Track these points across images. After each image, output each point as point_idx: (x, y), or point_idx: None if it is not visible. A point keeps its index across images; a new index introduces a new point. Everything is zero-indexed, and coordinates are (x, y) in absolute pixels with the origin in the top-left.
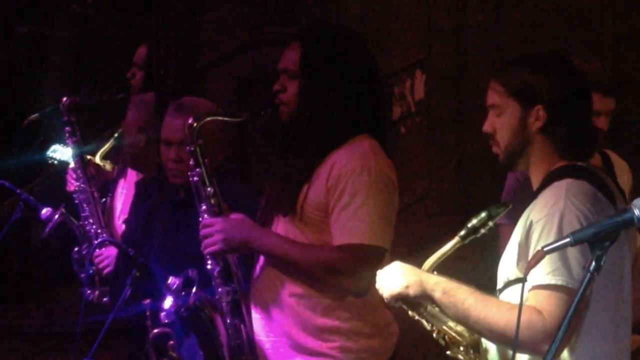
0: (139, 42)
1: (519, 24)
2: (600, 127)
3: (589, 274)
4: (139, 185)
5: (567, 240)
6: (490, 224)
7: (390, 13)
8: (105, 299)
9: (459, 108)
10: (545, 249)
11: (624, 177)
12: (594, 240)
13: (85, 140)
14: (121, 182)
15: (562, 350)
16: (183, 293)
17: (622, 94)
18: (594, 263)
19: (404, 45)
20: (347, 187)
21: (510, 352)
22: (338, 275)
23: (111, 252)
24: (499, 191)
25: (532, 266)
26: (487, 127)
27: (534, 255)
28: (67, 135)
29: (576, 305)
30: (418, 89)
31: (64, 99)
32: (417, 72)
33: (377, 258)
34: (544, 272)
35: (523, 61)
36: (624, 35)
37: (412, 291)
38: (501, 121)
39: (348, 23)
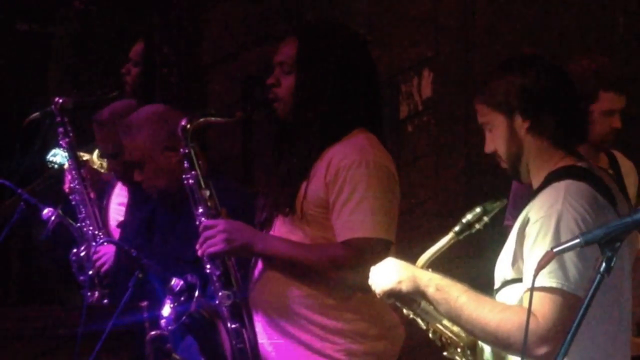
0: (141, 38)
1: (527, 21)
2: (616, 126)
3: (599, 276)
4: (134, 189)
5: (578, 241)
6: (485, 219)
7: (398, 11)
8: (105, 301)
9: (466, 107)
10: (555, 249)
11: (630, 178)
12: (604, 241)
13: (83, 141)
14: (117, 184)
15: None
16: (182, 299)
17: (631, 91)
18: (604, 264)
19: (412, 43)
20: (347, 182)
21: (505, 354)
22: (344, 271)
23: (108, 249)
24: (507, 190)
25: (542, 267)
26: (488, 148)
27: (544, 256)
28: (60, 136)
29: (586, 307)
30: (425, 88)
31: (57, 99)
32: (424, 70)
33: (382, 251)
34: (539, 274)
35: (494, 73)
36: (634, 32)
37: (404, 287)
38: (495, 136)
39: (355, 21)
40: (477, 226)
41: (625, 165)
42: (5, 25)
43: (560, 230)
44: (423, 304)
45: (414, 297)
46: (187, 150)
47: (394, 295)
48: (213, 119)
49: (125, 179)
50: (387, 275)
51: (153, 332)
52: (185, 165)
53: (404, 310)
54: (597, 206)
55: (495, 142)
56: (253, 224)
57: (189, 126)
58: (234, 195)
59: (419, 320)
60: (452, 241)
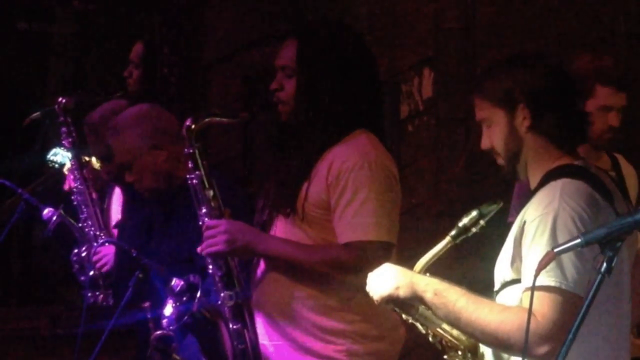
0: (141, 39)
1: (528, 21)
2: (612, 123)
3: (600, 276)
4: (129, 190)
5: (578, 241)
6: (482, 222)
7: (398, 11)
8: (109, 301)
9: (467, 107)
10: (556, 250)
11: (631, 181)
12: (605, 241)
13: (84, 142)
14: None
15: (560, 354)
16: (184, 298)
17: (633, 92)
18: (605, 264)
19: (412, 43)
20: (349, 183)
21: (507, 355)
22: (346, 273)
23: (108, 250)
24: (507, 191)
25: (542, 267)
26: (484, 144)
27: (545, 257)
28: (63, 136)
29: (587, 307)
30: (426, 88)
31: (60, 99)
32: (425, 70)
33: (384, 253)
34: None
35: (495, 67)
36: (635, 32)
37: (402, 292)
38: (493, 132)
39: (356, 21)
40: (474, 230)
41: (627, 169)
42: (5, 25)
43: (557, 228)
44: (421, 309)
45: (412, 302)
46: (191, 150)
47: (391, 301)
48: (217, 119)
49: (119, 180)
50: (384, 281)
51: (158, 332)
52: (190, 165)
53: (403, 315)
54: (594, 204)
55: (494, 138)
56: (250, 220)
57: (193, 126)
58: (230, 192)
59: (418, 325)
60: (448, 245)
